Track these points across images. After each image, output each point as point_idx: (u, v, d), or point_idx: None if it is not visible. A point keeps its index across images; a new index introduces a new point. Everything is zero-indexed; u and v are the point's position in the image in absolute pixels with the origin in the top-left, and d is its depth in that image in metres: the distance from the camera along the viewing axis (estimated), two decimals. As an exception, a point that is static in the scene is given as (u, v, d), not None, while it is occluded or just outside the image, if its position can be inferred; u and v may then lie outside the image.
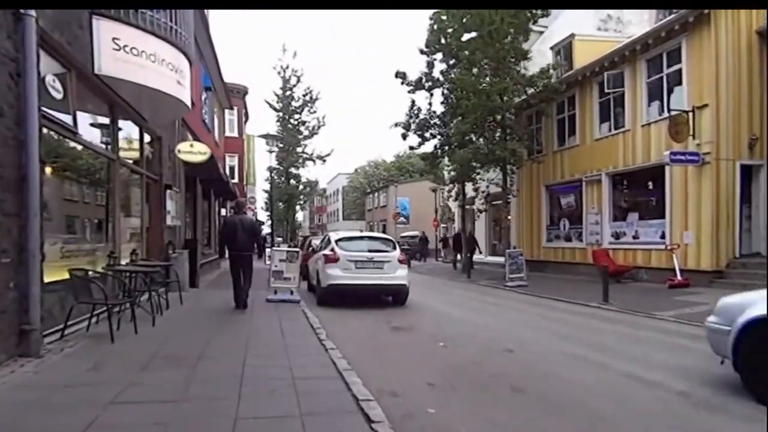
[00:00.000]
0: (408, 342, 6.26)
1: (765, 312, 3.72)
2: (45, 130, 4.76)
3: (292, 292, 9.40)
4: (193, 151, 10.37)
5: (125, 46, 5.96)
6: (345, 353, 5.13)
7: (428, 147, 19.90)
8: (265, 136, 14.13)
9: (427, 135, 19.31)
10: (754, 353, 3.88)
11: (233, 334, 5.91)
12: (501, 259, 19.52)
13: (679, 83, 12.15)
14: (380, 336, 6.58)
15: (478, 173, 17.79)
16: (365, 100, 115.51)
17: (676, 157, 11.43)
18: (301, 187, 37.57)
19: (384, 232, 37.58)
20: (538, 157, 16.75)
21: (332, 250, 9.31)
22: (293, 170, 35.92)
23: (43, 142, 4.63)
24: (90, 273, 5.27)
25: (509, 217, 18.24)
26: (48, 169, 5.10)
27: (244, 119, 32.42)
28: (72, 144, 5.64)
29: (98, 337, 5.19)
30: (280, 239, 35.01)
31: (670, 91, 12.50)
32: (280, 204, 37.15)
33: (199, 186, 14.19)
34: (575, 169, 16.00)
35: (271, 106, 34.17)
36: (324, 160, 35.34)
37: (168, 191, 9.91)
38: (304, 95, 34.19)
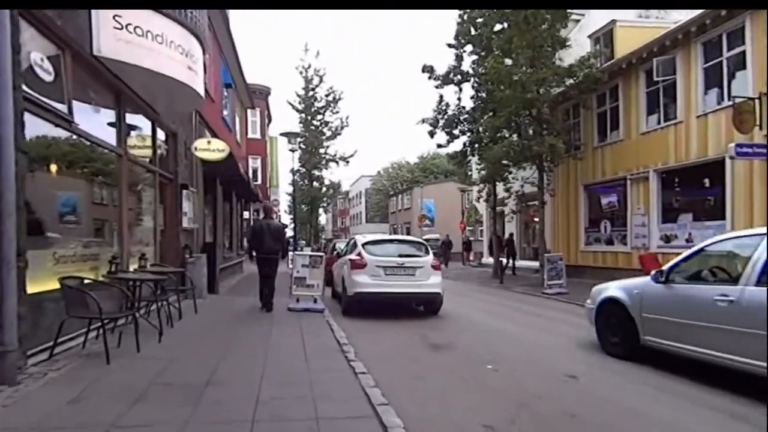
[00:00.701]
0: (450, 364, 5.37)
1: (609, 294, 5.85)
2: (30, 117, 4.10)
3: (315, 300, 8.64)
4: (211, 149, 9.74)
5: (128, 24, 5.29)
6: (378, 379, 4.29)
7: (456, 145, 19.05)
8: (287, 134, 13.47)
9: (456, 132, 18.39)
10: (602, 322, 5.98)
11: (248, 353, 5.14)
12: (532, 264, 18.43)
13: (743, 67, 10.90)
14: (417, 356, 5.71)
15: (510, 172, 16.78)
16: (388, 101, 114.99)
17: (743, 150, 10.15)
18: (324, 189, 37.01)
19: (408, 234, 36.62)
20: (576, 154, 15.56)
21: (359, 254, 8.49)
22: (316, 172, 35.40)
23: (27, 130, 3.97)
24: (86, 281, 4.58)
25: (542, 219, 17.07)
26: (29, 161, 4.44)
27: (266, 121, 32.16)
28: (67, 135, 4.98)
29: (93, 356, 4.49)
30: (303, 242, 34.50)
31: (731, 77, 11.25)
32: (303, 206, 36.70)
33: (220, 187, 13.63)
34: (618, 167, 14.78)
35: (293, 107, 33.76)
36: (347, 162, 34.72)
37: (184, 191, 9.29)
38: (326, 95, 33.65)
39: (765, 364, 3.85)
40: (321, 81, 33.57)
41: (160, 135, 8.60)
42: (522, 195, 16.85)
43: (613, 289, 5.90)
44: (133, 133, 7.16)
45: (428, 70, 17.42)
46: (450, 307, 9.27)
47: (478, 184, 18.78)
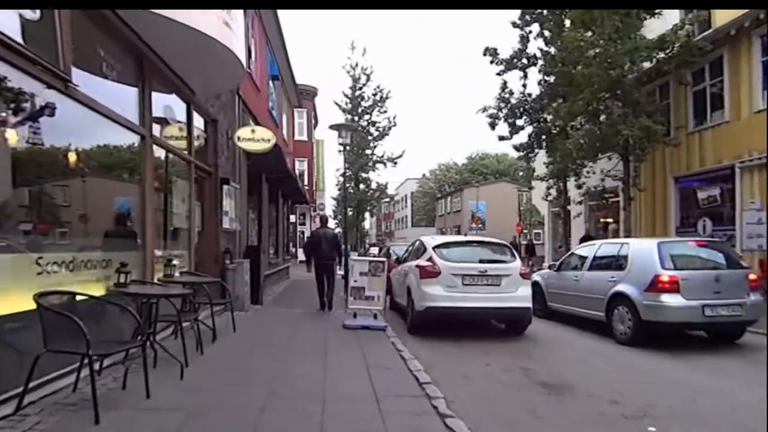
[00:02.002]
0: (588, 420, 3.69)
1: (534, 279, 8.85)
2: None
3: (375, 316, 7.15)
4: (255, 138, 8.53)
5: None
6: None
7: (518, 138, 17.11)
8: (338, 126, 12.13)
9: (520, 122, 16.50)
10: (533, 296, 7.73)
11: (298, 401, 3.69)
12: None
13: None
14: (532, 403, 4.06)
15: (584, 165, 14.70)
16: (432, 103, 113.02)
17: None
18: (370, 191, 35.71)
19: (460, 238, 34.43)
20: (672, 140, 13.21)
21: (430, 260, 6.90)
22: (363, 174, 34.20)
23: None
24: (78, 298, 3.30)
25: (628, 218, 14.72)
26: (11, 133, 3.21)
27: (313, 123, 31.50)
28: (62, 100, 3.75)
29: (82, 406, 3.16)
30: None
31: None
32: (349, 210, 35.56)
33: (266, 185, 12.50)
34: (722, 153, 12.36)
35: (340, 107, 32.75)
36: (395, 163, 33.21)
37: (225, 186, 8.11)
38: (373, 94, 32.40)
39: (595, 312, 7.15)
40: (368, 80, 32.39)
41: (198, 121, 7.45)
42: (603, 190, 14.66)
43: (535, 276, 9.21)
44: (163, 113, 5.99)
45: (491, 53, 15.65)
46: (534, 323, 7.48)
47: (546, 180, 16.71)
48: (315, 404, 3.54)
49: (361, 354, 5.32)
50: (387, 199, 62.22)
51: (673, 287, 6.11)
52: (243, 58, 5.62)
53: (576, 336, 7.26)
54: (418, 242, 8.43)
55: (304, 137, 29.65)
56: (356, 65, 32.36)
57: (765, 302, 6.54)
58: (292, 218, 25.52)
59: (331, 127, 12.58)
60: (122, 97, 4.84)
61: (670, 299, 6.08)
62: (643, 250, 6.68)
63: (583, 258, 7.95)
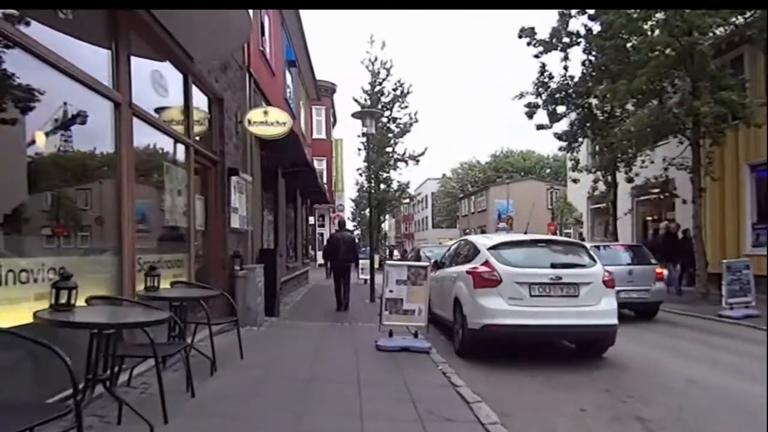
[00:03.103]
0: None
1: None
2: None
3: (416, 334, 5.75)
4: (268, 121, 7.26)
5: None
6: None
7: (558, 127, 15.45)
8: (361, 113, 10.85)
9: (561, 109, 14.86)
10: None
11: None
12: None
13: None
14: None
15: (638, 154, 13.04)
16: (452, 101, 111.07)
17: None
18: (391, 191, 34.29)
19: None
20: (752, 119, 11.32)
21: (486, 264, 5.44)
22: (383, 174, 32.85)
23: None
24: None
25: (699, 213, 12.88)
26: None
27: (332, 120, 30.42)
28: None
29: None
30: (363, 249, 31.90)
31: None
32: (368, 211, 34.23)
33: (282, 180, 11.25)
34: (814, 136, 10.52)
35: (358, 103, 31.46)
36: (417, 161, 31.77)
37: (233, 178, 6.84)
38: (394, 89, 31.01)
39: None
40: (388, 74, 31.00)
41: (199, 100, 6.20)
42: (665, 181, 12.87)
43: None
44: (150, 80, 4.74)
45: (528, 33, 14.06)
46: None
47: (593, 172, 15.02)
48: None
49: (407, 393, 3.93)
50: (408, 200, 60.71)
51: None
52: (249, 12, 4.30)
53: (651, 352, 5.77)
54: (463, 242, 6.99)
55: (323, 135, 28.62)
56: (375, 59, 31.05)
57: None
58: (311, 220, 24.38)
59: (354, 115, 11.29)
60: (84, 45, 3.57)
61: None
62: None
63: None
